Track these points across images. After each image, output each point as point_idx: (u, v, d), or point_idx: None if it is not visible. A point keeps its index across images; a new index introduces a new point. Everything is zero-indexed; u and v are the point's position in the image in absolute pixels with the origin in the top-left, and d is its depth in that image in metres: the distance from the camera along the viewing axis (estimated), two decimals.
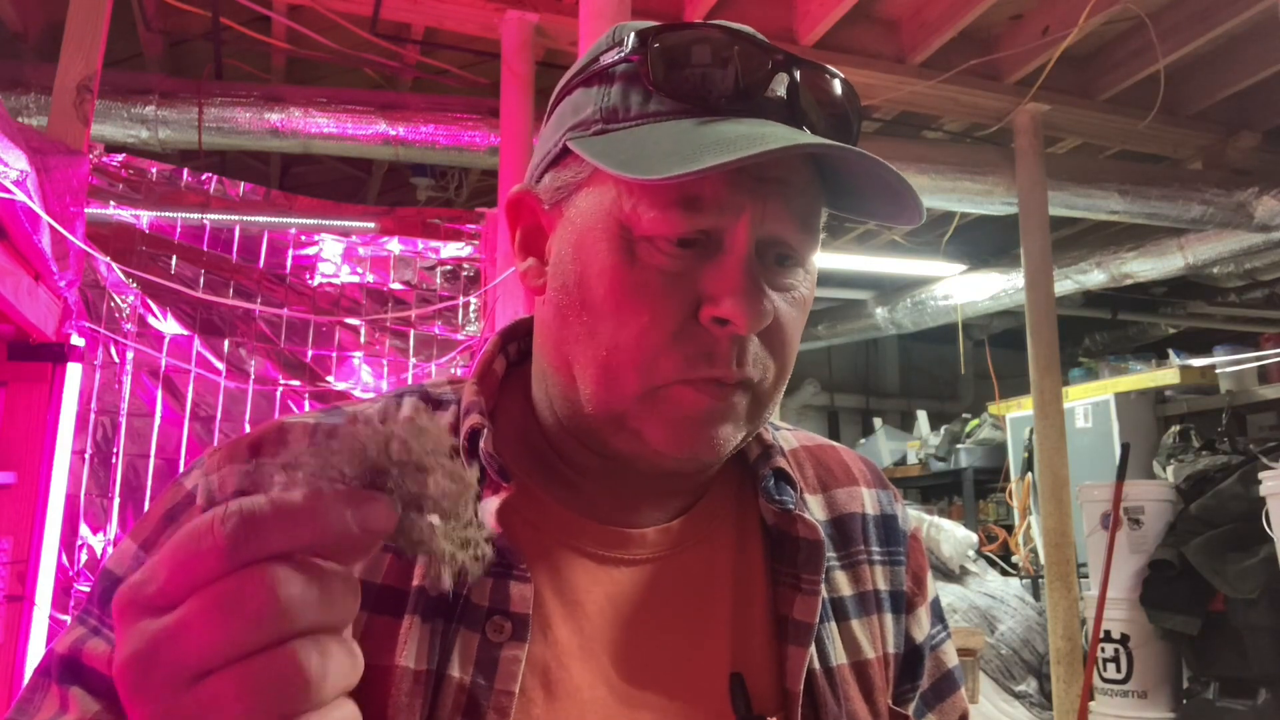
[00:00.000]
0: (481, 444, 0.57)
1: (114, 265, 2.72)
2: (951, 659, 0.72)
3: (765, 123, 0.53)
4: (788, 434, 0.72)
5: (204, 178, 3.06)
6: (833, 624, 0.63)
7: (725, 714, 0.57)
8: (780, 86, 0.55)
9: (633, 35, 0.56)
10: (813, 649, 0.59)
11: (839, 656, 0.62)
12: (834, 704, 0.59)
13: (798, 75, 0.55)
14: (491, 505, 0.54)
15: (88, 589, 0.57)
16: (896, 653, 0.66)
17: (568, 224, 0.58)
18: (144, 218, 2.91)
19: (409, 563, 0.55)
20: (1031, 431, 4.09)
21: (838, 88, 0.58)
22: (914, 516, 0.75)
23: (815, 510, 0.67)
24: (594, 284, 0.55)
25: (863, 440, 7.21)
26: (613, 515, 0.60)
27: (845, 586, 0.65)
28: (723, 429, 0.55)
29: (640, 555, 0.60)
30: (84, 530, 2.64)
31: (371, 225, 3.20)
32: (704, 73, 0.55)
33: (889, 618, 0.66)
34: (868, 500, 0.70)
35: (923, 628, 0.69)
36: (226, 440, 0.59)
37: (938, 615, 0.72)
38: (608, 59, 0.58)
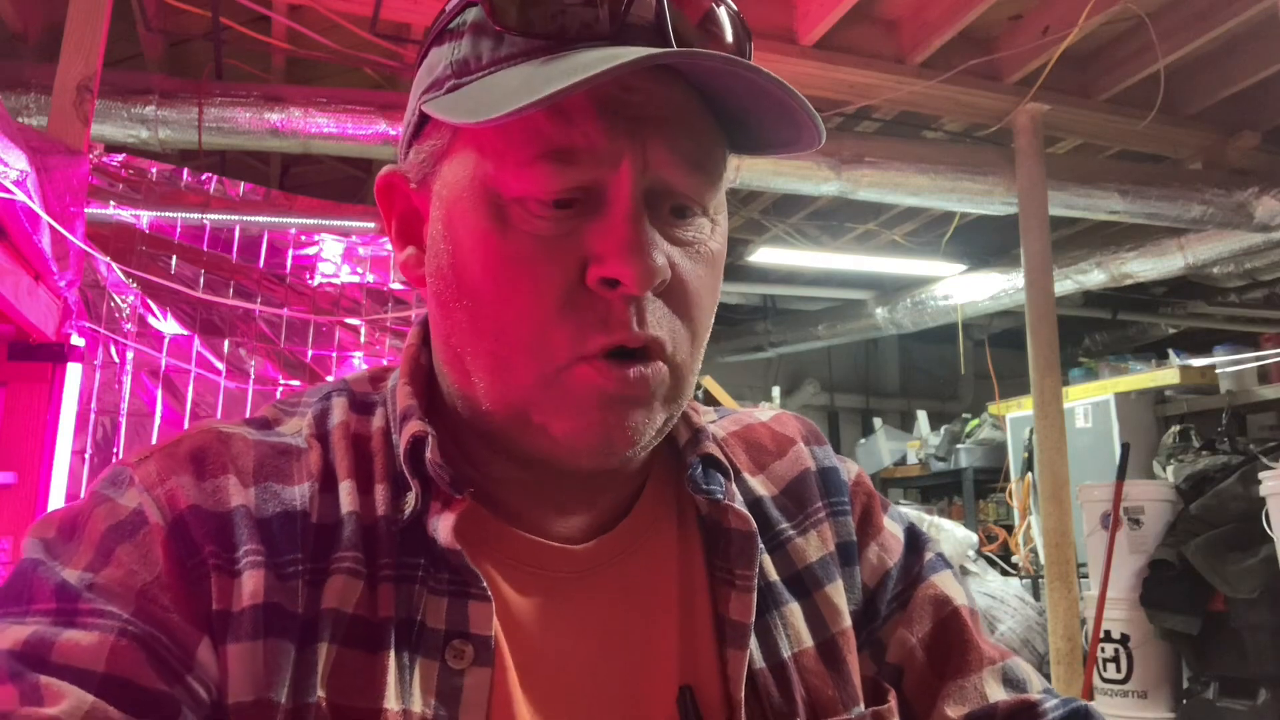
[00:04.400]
0: (428, 454, 0.51)
1: (114, 265, 2.72)
2: (956, 594, 0.62)
3: (626, 48, 0.46)
4: (716, 423, 0.66)
5: (204, 178, 3.06)
6: (794, 605, 0.58)
7: None
8: (646, 10, 0.48)
9: None
10: (755, 648, 0.55)
11: (796, 643, 0.56)
12: (782, 703, 0.54)
13: None
14: (447, 522, 0.50)
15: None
16: (856, 609, 0.61)
17: (436, 201, 0.52)
18: (144, 218, 2.91)
19: (380, 591, 0.50)
20: (1031, 431, 4.09)
21: (718, 7, 0.51)
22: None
23: (760, 489, 0.62)
24: (468, 263, 0.49)
25: (863, 440, 7.21)
26: (545, 526, 0.55)
27: (812, 552, 0.60)
28: (636, 413, 0.49)
29: (582, 569, 0.55)
30: None
31: (371, 225, 3.20)
32: (555, 4, 0.48)
33: (846, 572, 0.61)
34: (807, 456, 0.65)
35: (880, 563, 0.63)
36: (149, 448, 0.52)
37: (913, 546, 0.64)
38: (454, 8, 0.52)
